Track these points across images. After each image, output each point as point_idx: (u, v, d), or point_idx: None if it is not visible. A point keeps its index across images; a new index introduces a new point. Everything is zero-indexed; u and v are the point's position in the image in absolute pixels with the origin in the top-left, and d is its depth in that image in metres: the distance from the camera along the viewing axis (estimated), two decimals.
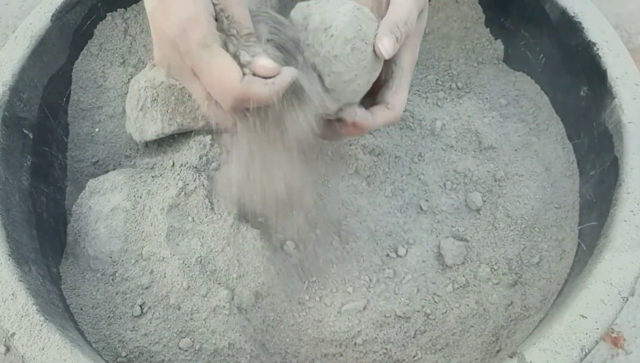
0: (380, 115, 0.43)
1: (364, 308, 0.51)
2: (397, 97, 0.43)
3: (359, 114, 0.42)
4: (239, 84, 0.33)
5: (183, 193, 0.51)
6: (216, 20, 0.35)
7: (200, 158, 0.54)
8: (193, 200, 0.52)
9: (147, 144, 0.58)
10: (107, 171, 0.58)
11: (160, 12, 0.35)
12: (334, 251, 0.52)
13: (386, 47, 0.40)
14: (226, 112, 0.36)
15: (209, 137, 0.54)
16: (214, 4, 0.35)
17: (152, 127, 0.55)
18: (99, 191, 0.53)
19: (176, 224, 0.51)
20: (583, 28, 0.55)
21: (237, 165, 0.44)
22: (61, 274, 0.51)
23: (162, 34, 0.35)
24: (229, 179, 0.45)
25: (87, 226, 0.52)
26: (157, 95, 0.53)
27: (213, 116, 0.38)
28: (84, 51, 0.61)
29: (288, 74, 0.35)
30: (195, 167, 0.53)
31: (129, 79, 0.61)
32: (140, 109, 0.55)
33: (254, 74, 0.35)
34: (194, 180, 0.52)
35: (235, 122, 0.38)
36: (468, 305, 0.50)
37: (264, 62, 0.35)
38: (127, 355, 0.47)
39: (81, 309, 0.49)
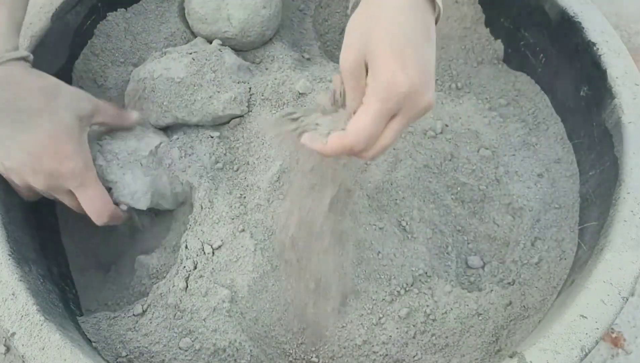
0: (332, 141, 0.41)
1: (364, 309, 0.51)
2: (352, 122, 0.40)
3: (314, 141, 0.42)
4: (112, 206, 0.50)
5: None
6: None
7: (210, 156, 0.54)
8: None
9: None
10: None
11: (51, 160, 0.46)
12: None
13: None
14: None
15: (217, 134, 0.55)
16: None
17: (148, 118, 0.55)
18: None
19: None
20: (583, 28, 0.55)
21: None
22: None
23: (51, 177, 0.46)
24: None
25: None
26: (155, 87, 0.54)
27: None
28: (84, 51, 0.61)
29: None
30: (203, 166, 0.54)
31: (129, 79, 0.61)
32: (138, 99, 0.55)
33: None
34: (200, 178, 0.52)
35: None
36: (468, 305, 0.50)
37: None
38: (127, 355, 0.47)
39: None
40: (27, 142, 0.45)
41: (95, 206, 0.48)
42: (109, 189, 0.50)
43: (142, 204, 0.51)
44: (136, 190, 0.51)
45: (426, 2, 0.41)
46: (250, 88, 0.57)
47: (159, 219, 0.56)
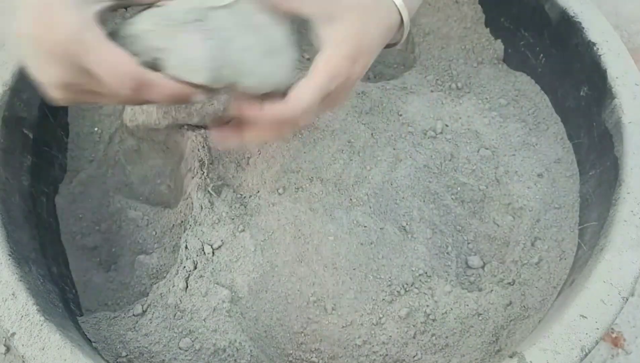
0: (268, 107, 0.38)
1: (364, 309, 0.51)
2: (296, 90, 0.38)
3: (245, 105, 0.38)
4: (136, 66, 0.35)
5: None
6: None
7: (201, 161, 0.54)
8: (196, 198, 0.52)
9: (133, 131, 0.58)
10: (106, 171, 0.58)
11: (43, 30, 0.35)
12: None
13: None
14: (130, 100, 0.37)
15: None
16: None
17: (147, 119, 0.55)
18: None
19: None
20: (583, 28, 0.55)
21: None
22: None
23: (45, 43, 0.35)
24: None
25: None
26: None
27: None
28: None
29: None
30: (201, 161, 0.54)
31: None
32: None
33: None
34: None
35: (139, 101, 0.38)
36: (468, 305, 0.50)
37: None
38: (127, 355, 0.47)
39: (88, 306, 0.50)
40: (23, 19, 0.35)
41: (109, 70, 0.35)
42: (156, 63, 0.36)
43: (200, 76, 0.36)
44: (192, 57, 0.36)
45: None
46: None
47: (158, 218, 0.56)
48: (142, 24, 0.36)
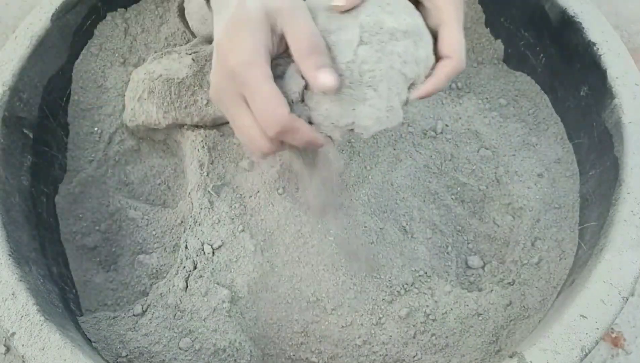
0: (441, 71, 0.40)
1: (364, 309, 0.51)
2: (450, 43, 0.40)
3: (420, 88, 0.40)
4: (287, 113, 0.37)
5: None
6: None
7: (201, 161, 0.54)
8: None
9: (133, 131, 0.59)
10: (106, 171, 0.58)
11: (226, 44, 0.38)
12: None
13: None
14: (266, 141, 0.39)
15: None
16: (273, 31, 0.38)
17: (147, 119, 0.55)
18: None
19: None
20: (583, 28, 0.55)
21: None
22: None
23: (225, 64, 0.38)
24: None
25: None
26: (155, 87, 0.54)
27: (250, 144, 0.40)
28: (84, 51, 0.61)
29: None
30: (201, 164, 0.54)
31: (129, 79, 0.61)
32: (138, 100, 0.55)
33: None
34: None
35: (272, 152, 0.40)
36: (468, 305, 0.50)
37: (325, 77, 0.37)
38: (127, 355, 0.47)
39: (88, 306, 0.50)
40: (217, 27, 0.39)
41: (263, 112, 0.37)
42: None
43: (337, 135, 0.41)
44: (335, 119, 0.40)
45: None
46: None
47: (158, 218, 0.56)
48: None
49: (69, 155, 0.58)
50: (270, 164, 0.54)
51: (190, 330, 0.48)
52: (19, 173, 0.52)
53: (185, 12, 0.62)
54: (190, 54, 0.56)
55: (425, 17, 0.41)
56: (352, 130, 0.40)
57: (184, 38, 0.63)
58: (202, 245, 0.51)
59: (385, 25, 0.38)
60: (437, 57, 0.41)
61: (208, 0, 0.44)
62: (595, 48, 0.54)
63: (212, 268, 0.50)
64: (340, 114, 0.39)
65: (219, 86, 0.39)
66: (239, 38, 0.37)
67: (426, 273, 0.52)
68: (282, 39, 0.38)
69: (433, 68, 0.41)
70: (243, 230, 0.51)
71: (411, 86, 0.40)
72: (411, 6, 0.40)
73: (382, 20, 0.38)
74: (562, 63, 0.59)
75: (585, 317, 0.41)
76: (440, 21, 0.41)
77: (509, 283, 0.52)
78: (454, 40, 0.40)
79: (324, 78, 0.37)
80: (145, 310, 0.49)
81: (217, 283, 0.49)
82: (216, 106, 0.41)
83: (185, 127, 0.56)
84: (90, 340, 0.47)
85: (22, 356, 0.41)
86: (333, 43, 0.38)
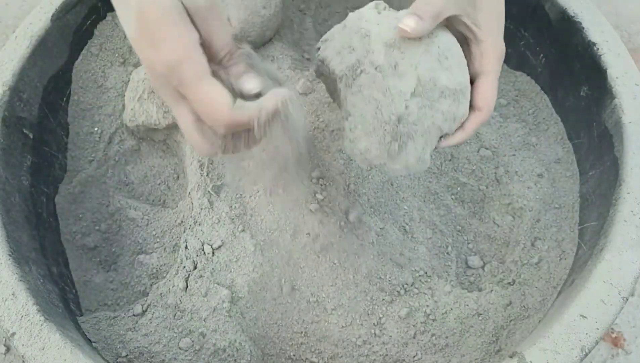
0: (470, 124, 0.42)
1: (364, 309, 0.51)
2: (485, 97, 0.41)
3: (451, 139, 0.42)
4: (229, 112, 0.34)
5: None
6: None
7: (201, 161, 0.54)
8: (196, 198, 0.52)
9: (133, 131, 0.58)
10: (106, 171, 0.58)
11: (146, 45, 0.34)
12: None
13: (409, 25, 0.38)
14: (216, 138, 0.36)
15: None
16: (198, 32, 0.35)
17: (147, 119, 0.55)
18: None
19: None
20: (583, 28, 0.55)
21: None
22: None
23: (152, 68, 0.35)
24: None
25: None
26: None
27: (194, 142, 0.38)
28: (84, 51, 0.61)
29: (276, 95, 0.36)
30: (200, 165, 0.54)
31: (129, 79, 0.61)
32: (138, 100, 0.55)
33: (242, 95, 0.36)
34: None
35: (222, 148, 0.38)
36: (468, 305, 0.50)
37: (249, 86, 0.36)
38: (127, 355, 0.47)
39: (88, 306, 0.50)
40: (126, 25, 0.35)
41: (205, 114, 0.35)
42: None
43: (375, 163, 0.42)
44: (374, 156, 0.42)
45: None
46: None
47: (158, 218, 0.56)
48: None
49: (69, 155, 0.58)
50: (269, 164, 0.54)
51: (190, 330, 0.48)
52: (19, 173, 0.52)
53: None
54: None
55: (468, 61, 0.42)
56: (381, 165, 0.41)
57: None
58: (202, 245, 0.51)
59: (439, 82, 0.39)
60: (470, 106, 0.42)
61: None
62: (595, 48, 0.54)
63: (212, 268, 0.50)
64: (376, 156, 0.40)
65: (157, 90, 0.37)
66: (160, 35, 0.33)
67: (426, 273, 0.52)
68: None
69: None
70: (243, 230, 0.51)
71: (443, 135, 0.42)
72: (464, 62, 0.41)
73: (438, 77, 0.39)
74: (562, 63, 0.59)
75: (585, 317, 0.41)
76: (481, 70, 0.41)
77: (509, 283, 0.52)
78: (489, 95, 0.41)
79: (251, 85, 0.36)
80: (145, 310, 0.49)
81: (217, 283, 0.49)
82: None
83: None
84: (90, 340, 0.47)
85: (22, 356, 0.41)
86: (387, 87, 0.39)
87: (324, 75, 0.43)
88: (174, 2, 0.33)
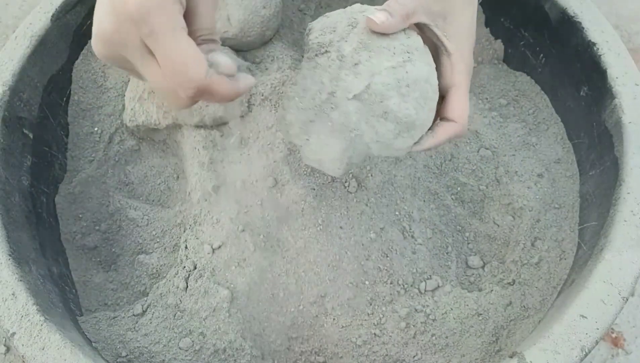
0: (443, 132, 0.42)
1: (364, 309, 0.51)
2: (457, 110, 0.42)
3: (422, 143, 0.42)
4: (204, 75, 0.32)
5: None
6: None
7: (201, 161, 0.54)
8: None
9: (133, 131, 0.58)
10: (106, 171, 0.58)
11: None
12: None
13: (378, 18, 0.39)
14: (182, 98, 0.34)
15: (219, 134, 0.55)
16: None
17: (147, 119, 0.55)
18: None
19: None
20: (583, 28, 0.55)
21: None
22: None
23: (122, 9, 0.31)
24: None
25: None
26: None
27: (165, 99, 0.35)
28: (84, 51, 0.61)
29: (249, 79, 0.36)
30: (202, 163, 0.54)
31: (129, 79, 0.61)
32: (138, 100, 0.55)
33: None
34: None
35: (189, 105, 0.35)
36: (468, 305, 0.50)
37: (226, 60, 0.34)
38: (127, 355, 0.47)
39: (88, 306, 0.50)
40: None
41: (173, 71, 0.32)
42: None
43: (334, 171, 0.42)
44: (327, 156, 0.41)
45: None
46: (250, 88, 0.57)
47: (158, 218, 0.56)
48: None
49: (69, 155, 0.58)
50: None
51: (190, 330, 0.48)
52: (19, 173, 0.52)
53: None
54: None
55: (439, 73, 0.42)
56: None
57: None
58: (202, 245, 0.51)
59: (388, 103, 0.38)
60: (441, 117, 0.43)
61: None
62: (595, 48, 0.54)
63: (212, 268, 0.50)
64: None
65: (113, 35, 0.32)
66: None
67: (426, 273, 0.52)
68: None
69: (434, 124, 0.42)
70: (243, 230, 0.51)
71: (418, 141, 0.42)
72: (430, 102, 0.41)
73: (389, 96, 0.38)
74: (562, 63, 0.59)
75: (585, 317, 0.41)
76: (452, 83, 0.42)
77: (509, 283, 0.52)
78: (461, 107, 0.42)
79: (228, 61, 0.34)
80: (145, 310, 0.49)
81: (217, 283, 0.49)
82: (112, 62, 0.35)
83: (185, 127, 0.56)
84: (90, 340, 0.47)
85: (22, 356, 0.41)
86: (338, 78, 0.39)
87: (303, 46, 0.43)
88: None
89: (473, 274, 0.54)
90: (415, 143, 0.42)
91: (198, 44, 0.34)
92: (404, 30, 0.40)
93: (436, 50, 0.43)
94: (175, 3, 0.32)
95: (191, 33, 0.34)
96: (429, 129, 0.42)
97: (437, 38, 0.42)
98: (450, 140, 0.43)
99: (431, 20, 0.41)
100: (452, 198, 0.57)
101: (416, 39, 0.41)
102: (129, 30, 0.32)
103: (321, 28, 0.41)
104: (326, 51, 0.39)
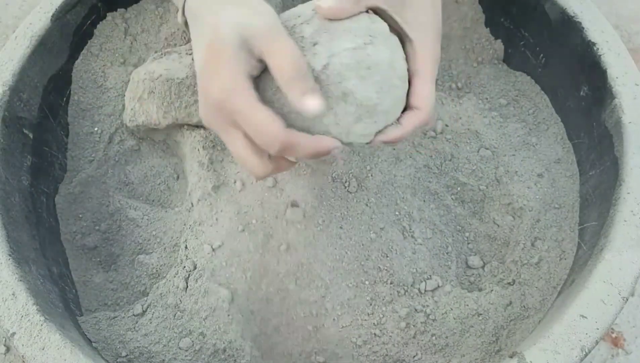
0: (408, 122, 0.41)
1: (364, 309, 0.51)
2: (421, 96, 0.41)
3: (387, 133, 0.41)
4: (283, 128, 0.37)
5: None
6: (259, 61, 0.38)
7: (201, 161, 0.54)
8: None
9: (133, 131, 0.59)
10: (106, 171, 0.58)
11: (206, 75, 0.38)
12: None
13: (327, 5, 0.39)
14: (262, 165, 0.40)
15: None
16: (254, 53, 0.37)
17: (147, 119, 0.55)
18: None
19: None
20: (583, 28, 0.55)
21: None
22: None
23: (207, 96, 0.38)
24: None
25: None
26: (155, 88, 0.54)
27: (247, 168, 0.40)
28: (84, 51, 0.61)
29: (331, 141, 0.39)
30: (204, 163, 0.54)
31: (129, 79, 0.61)
32: (138, 100, 0.55)
33: None
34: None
35: (269, 174, 0.41)
36: (468, 305, 0.50)
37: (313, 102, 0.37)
38: (127, 355, 0.47)
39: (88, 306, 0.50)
40: (197, 56, 0.40)
41: (259, 133, 0.37)
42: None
43: (359, 138, 0.41)
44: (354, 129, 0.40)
45: None
46: None
47: (158, 218, 0.56)
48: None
49: (69, 155, 0.58)
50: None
51: (190, 330, 0.48)
52: (19, 173, 0.52)
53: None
54: (190, 54, 0.56)
55: (407, 59, 0.41)
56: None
57: (184, 38, 0.63)
58: (202, 245, 0.51)
59: (346, 83, 0.38)
60: (406, 105, 0.42)
61: (185, 20, 0.44)
62: (595, 48, 0.54)
63: (212, 268, 0.50)
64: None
65: (208, 118, 0.40)
66: (217, 68, 0.37)
67: (426, 273, 0.52)
68: (262, 60, 0.38)
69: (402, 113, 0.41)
70: (243, 230, 0.51)
71: (381, 130, 0.41)
72: (395, 89, 0.40)
73: (347, 77, 0.38)
74: (562, 63, 0.59)
75: (585, 317, 0.41)
76: (415, 70, 0.41)
77: (509, 283, 0.52)
78: (425, 94, 0.41)
79: (310, 104, 0.37)
80: (145, 310, 0.49)
81: (217, 283, 0.49)
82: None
83: (185, 127, 0.56)
84: (90, 340, 0.47)
85: (22, 356, 0.41)
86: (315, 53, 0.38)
87: None
88: (232, 34, 0.37)
89: (473, 274, 0.54)
90: (379, 132, 0.40)
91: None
92: (369, 16, 0.40)
93: (402, 40, 0.42)
94: (246, 81, 0.37)
95: (277, 76, 0.37)
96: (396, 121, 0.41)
97: (397, 25, 0.41)
98: (417, 129, 0.42)
99: (388, 5, 0.40)
100: (452, 198, 0.57)
101: (381, 25, 0.40)
102: (216, 114, 0.39)
103: (288, 16, 0.41)
104: (289, 33, 0.39)
